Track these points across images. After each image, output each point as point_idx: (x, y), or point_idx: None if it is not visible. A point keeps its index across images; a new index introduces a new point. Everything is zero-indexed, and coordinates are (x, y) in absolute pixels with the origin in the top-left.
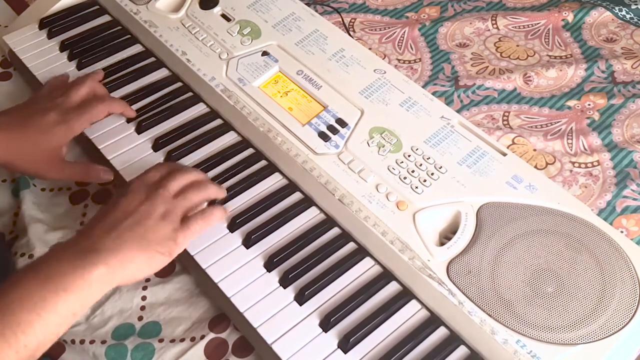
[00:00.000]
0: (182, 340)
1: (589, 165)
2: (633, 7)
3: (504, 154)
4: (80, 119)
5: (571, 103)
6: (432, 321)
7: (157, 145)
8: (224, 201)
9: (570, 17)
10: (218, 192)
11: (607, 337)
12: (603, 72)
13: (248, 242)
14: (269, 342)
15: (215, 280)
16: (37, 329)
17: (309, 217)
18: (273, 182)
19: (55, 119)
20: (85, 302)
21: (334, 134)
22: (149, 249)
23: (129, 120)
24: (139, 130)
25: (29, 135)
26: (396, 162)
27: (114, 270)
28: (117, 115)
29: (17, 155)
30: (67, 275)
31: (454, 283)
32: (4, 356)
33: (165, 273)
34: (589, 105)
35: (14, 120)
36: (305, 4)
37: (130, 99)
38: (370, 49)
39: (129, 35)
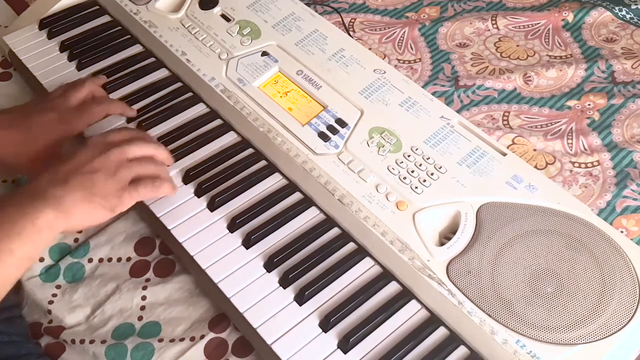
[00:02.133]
0: (182, 340)
1: (589, 165)
2: (633, 7)
3: (504, 154)
4: (78, 120)
5: (571, 103)
6: (432, 321)
7: None
8: (224, 201)
9: (570, 17)
10: (169, 187)
11: (607, 337)
12: (603, 72)
13: (248, 242)
14: (268, 342)
15: (215, 281)
16: None
17: (309, 217)
18: (273, 182)
19: (54, 118)
20: (37, 246)
21: (334, 134)
22: (92, 201)
23: (129, 121)
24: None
25: (27, 134)
26: (396, 162)
27: (60, 216)
28: (117, 115)
29: (16, 154)
30: (18, 221)
31: (453, 283)
32: None
33: (165, 273)
34: (589, 105)
35: (13, 119)
36: (305, 4)
37: (130, 99)
38: (370, 49)
39: (129, 36)
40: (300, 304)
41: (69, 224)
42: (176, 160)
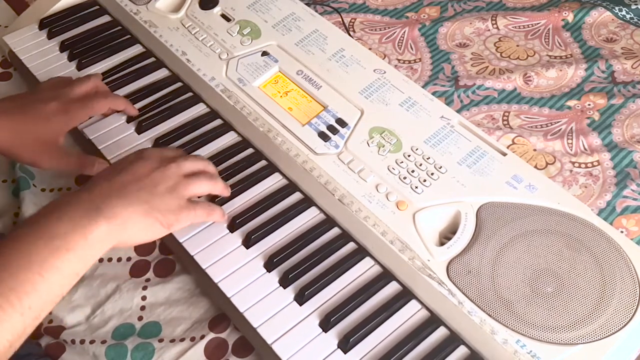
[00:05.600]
0: (182, 340)
1: (589, 165)
2: (633, 7)
3: (504, 154)
4: (81, 110)
5: (571, 103)
6: (432, 321)
7: (157, 145)
8: (224, 201)
9: (570, 17)
10: (225, 189)
11: (607, 337)
12: (603, 72)
13: (248, 242)
14: (269, 342)
15: (215, 280)
16: (40, 290)
17: (309, 217)
18: (273, 182)
19: (56, 107)
20: (86, 261)
21: (334, 134)
22: (151, 215)
23: (129, 121)
24: (139, 130)
25: (29, 122)
26: (396, 162)
27: (114, 230)
28: (117, 114)
29: (16, 141)
30: (68, 234)
31: (453, 283)
32: (8, 319)
33: (165, 273)
34: (589, 105)
35: (15, 107)
36: (305, 4)
37: (130, 99)
38: (370, 49)
39: (129, 36)
40: (301, 304)
41: (121, 238)
42: None
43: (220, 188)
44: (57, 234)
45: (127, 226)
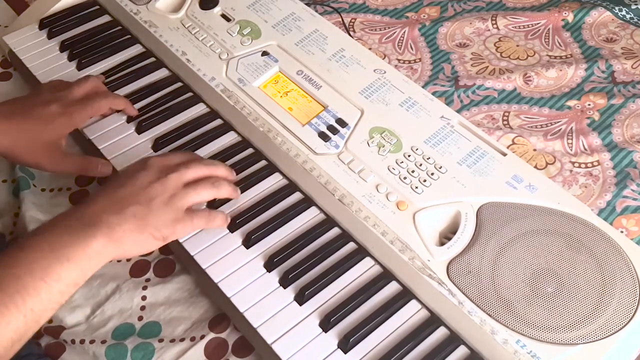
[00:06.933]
0: (182, 340)
1: (589, 165)
2: (633, 7)
3: (504, 154)
4: (82, 111)
5: (571, 103)
6: (432, 321)
7: (157, 145)
8: (224, 201)
9: (570, 17)
10: (232, 192)
11: (607, 337)
12: (603, 72)
13: (248, 242)
14: (269, 342)
15: (215, 281)
16: (42, 295)
17: (309, 217)
18: (273, 182)
19: (57, 110)
20: (84, 272)
21: (334, 134)
22: (145, 231)
23: (129, 120)
24: (139, 130)
25: (30, 125)
26: (396, 162)
27: (111, 245)
28: (117, 114)
29: (18, 144)
30: (68, 246)
31: (454, 283)
32: (12, 319)
33: (165, 273)
34: (589, 105)
35: (15, 110)
36: (305, 4)
37: (130, 99)
38: (370, 49)
39: (129, 36)
40: (301, 304)
41: (118, 252)
42: None
43: (226, 192)
44: (59, 245)
45: (123, 241)
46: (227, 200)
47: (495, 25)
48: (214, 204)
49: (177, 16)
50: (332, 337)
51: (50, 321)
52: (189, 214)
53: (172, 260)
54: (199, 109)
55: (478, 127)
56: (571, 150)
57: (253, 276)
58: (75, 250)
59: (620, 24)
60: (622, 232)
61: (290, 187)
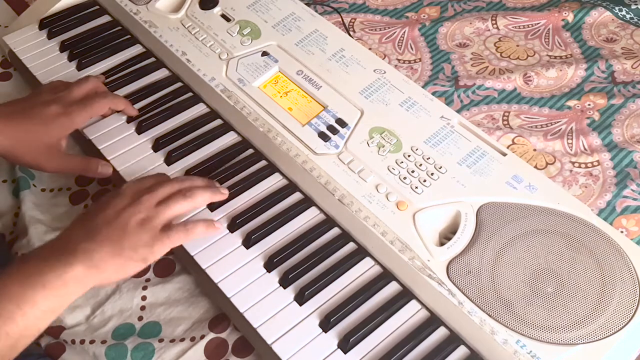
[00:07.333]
0: (182, 340)
1: (589, 165)
2: (633, 7)
3: (504, 154)
4: (82, 112)
5: (571, 103)
6: (432, 321)
7: (157, 145)
8: (224, 201)
9: (570, 17)
10: (211, 196)
11: (607, 337)
12: (603, 72)
13: (248, 242)
14: (269, 342)
15: (215, 281)
16: (18, 320)
17: (309, 217)
18: (273, 182)
19: (57, 111)
20: (63, 300)
21: (334, 134)
22: (122, 255)
23: (129, 121)
24: (139, 130)
25: (30, 126)
26: (396, 162)
27: (89, 272)
28: (117, 114)
29: (18, 145)
30: (44, 274)
31: (453, 283)
32: None
33: (165, 273)
34: (589, 105)
35: (16, 111)
36: (305, 4)
37: (130, 99)
38: (370, 49)
39: (129, 36)
40: (301, 304)
41: (99, 278)
42: (176, 161)
43: (203, 199)
44: (35, 273)
45: (102, 268)
46: (225, 201)
47: (495, 25)
48: (212, 209)
49: (177, 16)
50: (332, 337)
51: None
52: (166, 231)
53: (172, 260)
54: (199, 109)
55: (478, 127)
56: (571, 150)
57: (253, 276)
58: (51, 277)
59: (620, 24)
60: (622, 232)
61: (290, 187)
